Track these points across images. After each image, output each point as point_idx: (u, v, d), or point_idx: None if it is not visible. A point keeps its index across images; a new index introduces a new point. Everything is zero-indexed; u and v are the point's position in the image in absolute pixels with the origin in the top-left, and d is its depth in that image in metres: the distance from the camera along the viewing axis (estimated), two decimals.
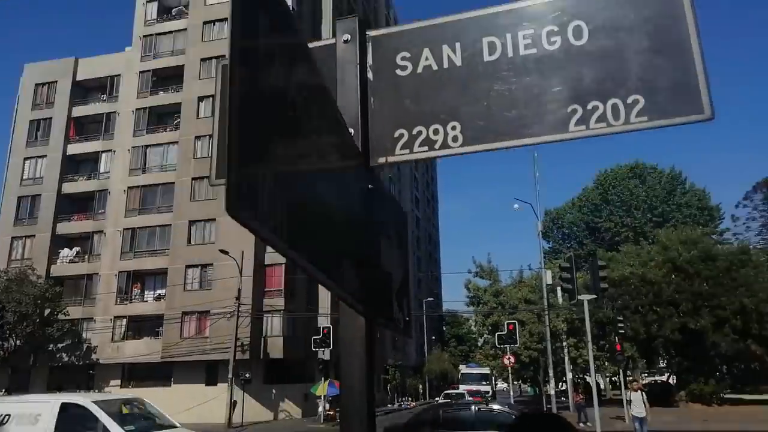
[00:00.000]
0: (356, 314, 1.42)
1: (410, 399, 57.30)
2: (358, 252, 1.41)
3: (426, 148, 1.61)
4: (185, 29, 44.40)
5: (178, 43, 44.74)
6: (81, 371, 39.05)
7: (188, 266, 38.97)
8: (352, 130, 1.56)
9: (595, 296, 23.37)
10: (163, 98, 44.42)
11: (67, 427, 9.55)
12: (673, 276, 34.87)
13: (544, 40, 1.59)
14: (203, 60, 42.66)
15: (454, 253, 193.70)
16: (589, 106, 1.51)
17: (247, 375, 34.30)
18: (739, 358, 41.37)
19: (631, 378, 23.71)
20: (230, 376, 32.41)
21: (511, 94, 1.58)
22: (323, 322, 38.88)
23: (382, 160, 1.62)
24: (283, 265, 39.72)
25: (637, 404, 18.62)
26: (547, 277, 33.69)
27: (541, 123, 1.54)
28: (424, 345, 67.71)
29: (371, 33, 1.71)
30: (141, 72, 44.91)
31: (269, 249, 40.05)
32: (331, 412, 33.65)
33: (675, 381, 38.36)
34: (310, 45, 1.82)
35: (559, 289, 35.02)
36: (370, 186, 1.57)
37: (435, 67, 1.67)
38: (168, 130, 43.78)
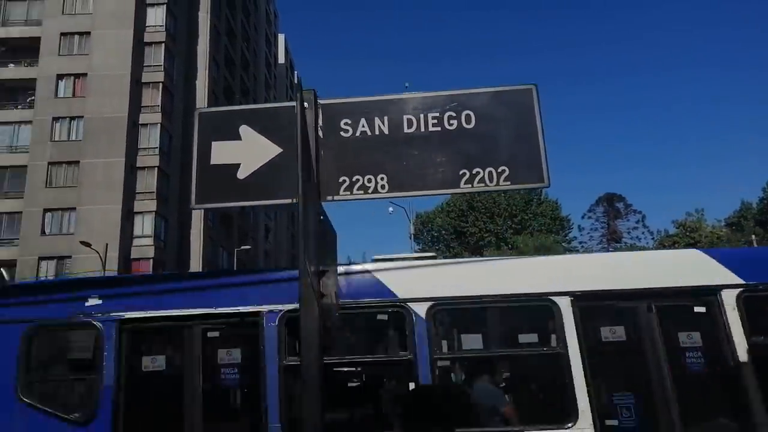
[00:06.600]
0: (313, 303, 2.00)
1: None
2: None
3: (362, 192, 2.23)
4: None
5: (33, 12, 40.97)
6: None
7: (42, 258, 35.83)
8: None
9: None
10: (14, 71, 40.48)
11: None
12: None
13: (445, 121, 2.28)
14: (63, 35, 39.61)
15: None
16: (474, 171, 2.22)
17: None
18: None
19: None
20: None
21: (422, 157, 2.25)
22: None
23: (330, 198, 2.21)
24: (151, 260, 37.97)
25: None
26: None
27: (442, 180, 2.23)
28: None
29: (322, 101, 2.29)
30: None
31: (136, 242, 38.17)
32: None
33: None
34: (274, 105, 2.38)
35: None
36: (321, 217, 2.16)
37: (369, 133, 2.29)
38: (20, 107, 39.93)
